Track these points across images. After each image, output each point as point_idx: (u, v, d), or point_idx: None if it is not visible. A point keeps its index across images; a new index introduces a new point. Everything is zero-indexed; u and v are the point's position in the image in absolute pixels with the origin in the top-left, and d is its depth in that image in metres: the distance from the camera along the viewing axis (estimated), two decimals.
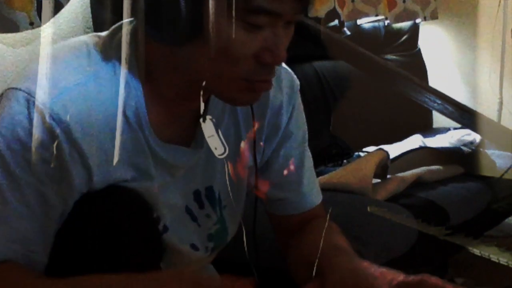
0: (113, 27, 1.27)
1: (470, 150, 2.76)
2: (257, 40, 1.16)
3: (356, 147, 2.96)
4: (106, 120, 1.20)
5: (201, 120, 1.26)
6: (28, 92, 1.16)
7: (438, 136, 3.11)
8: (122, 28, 1.25)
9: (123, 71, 1.21)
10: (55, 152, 1.16)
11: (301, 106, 1.50)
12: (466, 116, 2.51)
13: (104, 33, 1.27)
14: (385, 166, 2.52)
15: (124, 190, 1.25)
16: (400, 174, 2.57)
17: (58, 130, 1.15)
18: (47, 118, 1.15)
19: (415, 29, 3.54)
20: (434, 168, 2.68)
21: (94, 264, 1.19)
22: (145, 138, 1.25)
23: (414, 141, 3.02)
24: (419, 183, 2.59)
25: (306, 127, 1.52)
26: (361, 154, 2.85)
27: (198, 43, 1.14)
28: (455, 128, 3.11)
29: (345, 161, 2.83)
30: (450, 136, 3.04)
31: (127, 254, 1.24)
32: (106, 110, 1.20)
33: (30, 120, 1.15)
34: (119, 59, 1.22)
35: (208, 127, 1.27)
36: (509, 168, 2.01)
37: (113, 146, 1.21)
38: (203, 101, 1.23)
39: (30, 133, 1.14)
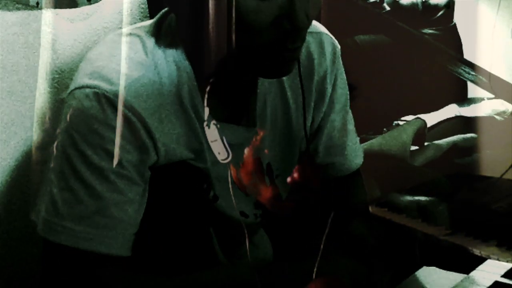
0: (158, 15, 1.27)
1: (503, 119, 2.74)
2: (273, 8, 1.10)
3: (396, 115, 2.95)
4: (167, 105, 1.20)
5: (204, 124, 1.23)
6: (95, 86, 1.15)
7: (472, 106, 3.10)
8: (167, 16, 1.25)
9: (173, 57, 1.21)
10: (133, 138, 1.17)
11: (343, 69, 1.46)
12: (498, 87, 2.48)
13: (148, 23, 1.27)
14: (423, 134, 2.52)
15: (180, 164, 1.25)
16: (436, 142, 2.57)
17: (134, 118, 1.15)
18: (122, 108, 1.14)
19: (451, 5, 3.51)
20: (468, 136, 2.66)
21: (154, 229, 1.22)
22: (200, 120, 1.23)
23: (450, 111, 3.01)
24: (454, 149, 2.58)
25: (348, 89, 1.48)
26: (400, 123, 2.84)
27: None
28: (489, 98, 3.09)
29: (384, 129, 2.82)
30: (484, 105, 3.02)
31: (178, 219, 1.25)
32: (167, 97, 1.20)
33: (104, 111, 1.14)
34: (169, 45, 1.22)
35: (212, 132, 1.24)
36: (509, 168, 1.97)
37: (174, 130, 1.21)
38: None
39: (106, 125, 1.14)
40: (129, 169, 1.17)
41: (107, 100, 1.14)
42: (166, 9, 1.26)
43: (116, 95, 1.14)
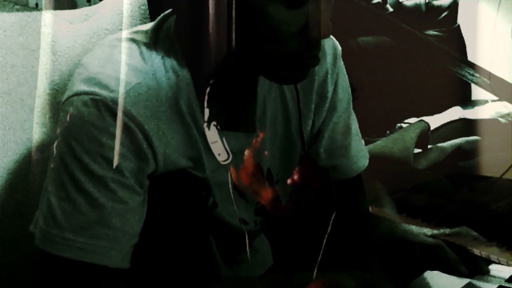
0: (157, 20, 1.26)
1: (507, 121, 2.74)
2: (300, 16, 1.11)
3: (399, 118, 2.95)
4: (166, 113, 1.19)
5: (205, 125, 1.22)
6: (93, 93, 1.13)
7: (476, 108, 3.10)
8: (165, 21, 1.25)
9: (172, 63, 1.20)
10: (133, 146, 1.15)
11: (344, 70, 1.46)
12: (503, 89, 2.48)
13: (146, 27, 1.26)
14: (426, 137, 2.52)
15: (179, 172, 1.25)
16: (440, 144, 2.56)
17: (133, 126, 1.14)
18: (121, 115, 1.13)
19: (454, 6, 3.52)
20: (472, 138, 2.66)
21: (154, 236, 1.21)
22: (198, 129, 1.23)
23: (454, 113, 3.00)
24: (458, 152, 2.58)
25: (350, 90, 1.48)
26: (403, 125, 2.84)
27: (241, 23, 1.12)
28: (492, 101, 3.08)
29: (387, 131, 2.82)
30: (488, 108, 3.02)
31: (177, 227, 1.24)
32: (165, 104, 1.19)
33: (103, 118, 1.12)
34: (167, 52, 1.21)
35: (212, 134, 1.23)
36: (509, 168, 1.97)
37: (173, 138, 1.20)
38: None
39: (106, 132, 1.12)
40: (129, 178, 1.15)
41: (105, 106, 1.12)
42: (164, 13, 1.25)
43: (114, 101, 1.12)
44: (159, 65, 1.19)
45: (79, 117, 1.13)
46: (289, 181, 1.40)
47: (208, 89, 1.19)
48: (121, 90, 1.14)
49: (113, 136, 1.13)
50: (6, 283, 1.44)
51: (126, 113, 1.13)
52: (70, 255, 1.13)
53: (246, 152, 1.31)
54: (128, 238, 1.16)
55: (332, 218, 1.29)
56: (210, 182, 1.28)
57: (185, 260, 1.27)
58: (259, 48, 1.14)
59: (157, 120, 1.17)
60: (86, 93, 1.14)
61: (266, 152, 1.35)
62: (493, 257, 1.46)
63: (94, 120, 1.12)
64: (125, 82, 1.14)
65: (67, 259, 1.13)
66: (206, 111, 1.20)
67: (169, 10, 1.26)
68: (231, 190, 1.29)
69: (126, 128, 1.14)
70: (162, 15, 1.26)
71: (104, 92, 1.13)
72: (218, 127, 1.23)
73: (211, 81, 1.20)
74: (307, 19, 1.12)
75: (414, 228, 1.47)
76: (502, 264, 1.43)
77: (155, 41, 1.22)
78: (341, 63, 1.44)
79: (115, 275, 1.15)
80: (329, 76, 1.40)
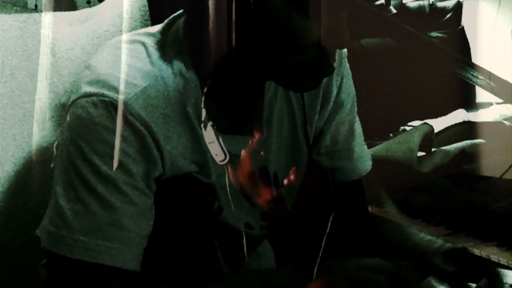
0: (165, 22, 1.25)
1: (511, 124, 2.73)
2: (321, 26, 1.12)
3: (402, 121, 2.96)
4: (174, 117, 1.19)
5: (201, 126, 1.21)
6: (102, 94, 1.13)
7: (481, 111, 3.09)
8: (173, 23, 1.24)
9: (180, 66, 1.20)
10: (142, 149, 1.15)
11: (350, 73, 1.46)
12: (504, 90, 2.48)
13: (154, 29, 1.25)
14: (430, 140, 2.51)
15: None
16: (444, 147, 2.56)
17: (142, 128, 1.14)
18: (130, 117, 1.13)
19: (458, 7, 3.52)
20: (476, 141, 2.66)
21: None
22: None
23: (458, 116, 3.00)
24: (462, 155, 2.57)
25: (355, 93, 1.47)
26: (407, 128, 2.84)
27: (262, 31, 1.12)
28: (497, 103, 3.08)
29: (391, 134, 2.82)
30: (492, 110, 3.02)
31: (182, 232, 1.24)
32: (173, 108, 1.19)
33: (113, 120, 1.12)
34: (175, 55, 1.20)
35: (208, 134, 1.22)
36: (509, 168, 1.97)
37: (180, 142, 1.20)
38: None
39: (115, 132, 1.12)
40: (139, 180, 1.15)
41: (114, 108, 1.12)
42: (173, 15, 1.25)
43: (123, 103, 1.13)
44: (166, 68, 1.19)
45: (88, 118, 1.13)
46: (285, 181, 1.38)
47: (205, 89, 1.19)
48: (130, 92, 1.14)
49: (123, 138, 1.13)
50: (5, 287, 1.44)
51: (135, 116, 1.13)
52: (83, 257, 1.13)
53: (243, 153, 1.29)
54: (139, 240, 1.16)
55: (331, 219, 1.28)
56: (216, 186, 1.28)
57: (190, 264, 1.27)
58: (276, 55, 1.13)
59: (165, 123, 1.17)
60: (95, 94, 1.13)
61: (262, 153, 1.34)
62: (493, 257, 1.46)
63: (103, 121, 1.12)
64: (133, 85, 1.14)
65: (78, 260, 1.13)
66: (203, 111, 1.20)
67: (179, 12, 1.26)
68: (228, 190, 1.28)
69: (135, 130, 1.14)
70: (170, 17, 1.26)
71: (113, 94, 1.13)
72: (215, 127, 1.21)
73: (209, 81, 1.20)
74: (326, 29, 1.12)
75: (425, 240, 1.39)
76: (502, 264, 1.43)
77: (163, 43, 1.22)
78: (346, 64, 1.44)
79: (126, 277, 1.15)
80: (334, 77, 1.40)
